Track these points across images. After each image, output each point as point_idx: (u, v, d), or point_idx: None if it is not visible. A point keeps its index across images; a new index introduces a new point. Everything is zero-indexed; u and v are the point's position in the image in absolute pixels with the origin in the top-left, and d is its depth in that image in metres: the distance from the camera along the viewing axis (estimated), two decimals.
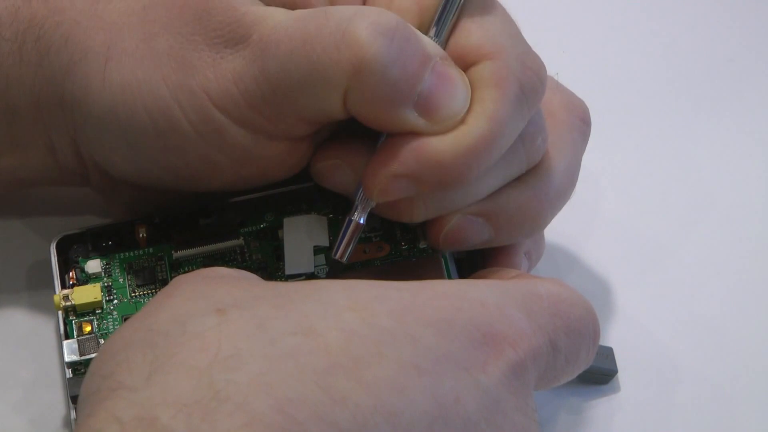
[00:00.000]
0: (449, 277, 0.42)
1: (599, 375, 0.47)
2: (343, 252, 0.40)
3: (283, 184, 0.44)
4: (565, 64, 0.50)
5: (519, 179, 0.41)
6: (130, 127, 0.38)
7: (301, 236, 0.43)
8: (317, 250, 0.43)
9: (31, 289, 0.46)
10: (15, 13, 0.39)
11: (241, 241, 0.43)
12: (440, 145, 0.37)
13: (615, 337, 0.48)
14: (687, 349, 0.51)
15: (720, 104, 0.59)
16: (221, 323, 0.29)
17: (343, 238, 0.40)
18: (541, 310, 0.33)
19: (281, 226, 0.43)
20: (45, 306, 0.45)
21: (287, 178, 0.42)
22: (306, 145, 0.40)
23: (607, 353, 0.48)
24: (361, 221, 0.40)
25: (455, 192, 0.40)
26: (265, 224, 0.44)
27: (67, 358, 0.41)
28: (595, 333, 0.36)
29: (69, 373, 0.41)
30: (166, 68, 0.37)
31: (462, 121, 0.37)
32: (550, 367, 0.33)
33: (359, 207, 0.40)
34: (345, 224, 0.40)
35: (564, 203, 0.43)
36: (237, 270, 0.36)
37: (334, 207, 0.44)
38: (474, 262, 0.44)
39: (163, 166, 0.40)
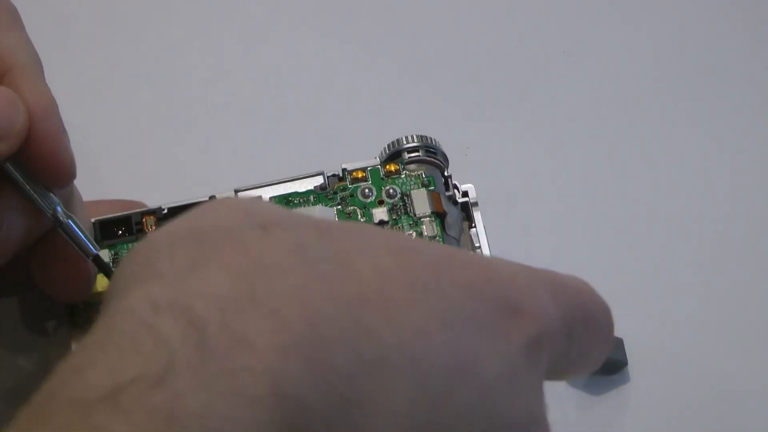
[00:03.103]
0: None
1: (610, 365, 0.47)
2: None
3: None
4: (563, 64, 0.50)
5: None
6: None
7: None
8: None
9: None
10: None
11: None
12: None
13: (626, 327, 0.48)
14: (697, 340, 0.51)
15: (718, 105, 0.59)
16: (264, 236, 0.29)
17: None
18: (565, 298, 0.33)
19: None
20: None
21: None
22: None
23: (618, 344, 0.48)
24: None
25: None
26: None
27: (74, 347, 0.41)
28: (611, 334, 0.36)
29: None
30: None
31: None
32: (564, 355, 0.33)
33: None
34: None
35: None
36: None
37: (342, 199, 0.44)
38: None
39: None
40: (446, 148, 0.48)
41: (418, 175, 0.45)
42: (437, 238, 0.43)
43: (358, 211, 0.44)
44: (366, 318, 0.28)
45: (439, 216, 0.44)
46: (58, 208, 0.38)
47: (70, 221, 0.39)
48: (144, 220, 0.44)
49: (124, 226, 0.44)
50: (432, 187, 0.45)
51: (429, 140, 0.46)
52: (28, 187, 0.38)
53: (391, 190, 0.45)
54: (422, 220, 0.44)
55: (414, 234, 0.43)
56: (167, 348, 0.26)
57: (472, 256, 0.32)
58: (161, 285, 0.28)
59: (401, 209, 0.44)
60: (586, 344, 0.34)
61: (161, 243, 0.30)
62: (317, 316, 0.27)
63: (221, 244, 0.29)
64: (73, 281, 0.41)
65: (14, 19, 0.39)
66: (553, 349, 0.32)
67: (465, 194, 0.47)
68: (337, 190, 0.45)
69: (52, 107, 0.38)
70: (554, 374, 0.34)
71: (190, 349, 0.26)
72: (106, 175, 0.59)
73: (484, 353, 0.29)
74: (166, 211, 0.45)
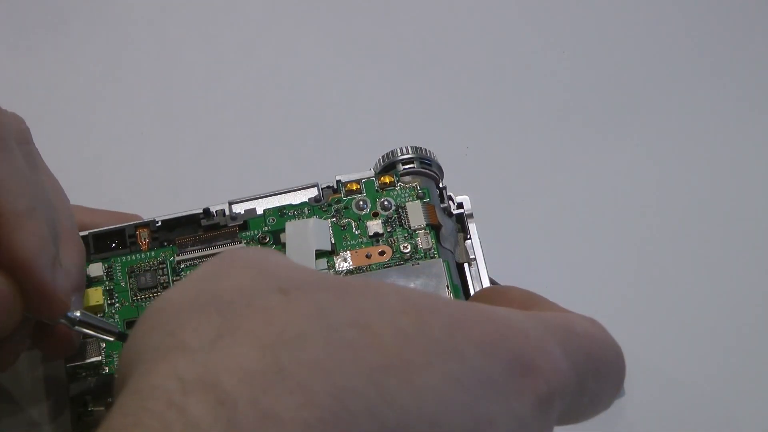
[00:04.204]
0: (450, 282, 0.42)
1: None
2: None
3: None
4: (563, 67, 0.50)
5: None
6: None
7: (303, 240, 0.43)
8: (319, 254, 0.43)
9: None
10: None
11: (242, 244, 0.43)
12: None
13: (619, 339, 0.48)
14: (692, 352, 0.51)
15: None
16: (285, 303, 0.29)
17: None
18: (577, 350, 0.33)
19: (283, 230, 0.43)
20: None
21: None
22: None
23: None
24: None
25: None
26: (267, 228, 0.44)
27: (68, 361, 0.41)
28: (621, 378, 0.36)
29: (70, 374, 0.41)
30: None
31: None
32: (574, 406, 0.34)
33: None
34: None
35: None
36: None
37: (337, 211, 0.44)
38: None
39: None
40: (446, 148, 0.47)
41: (413, 186, 0.45)
42: (432, 250, 0.43)
43: (353, 223, 0.44)
44: (389, 384, 0.28)
45: (434, 228, 0.44)
46: (68, 313, 0.39)
47: (80, 317, 0.39)
48: (138, 233, 0.44)
49: (117, 239, 0.44)
50: (427, 199, 0.45)
51: (424, 152, 0.46)
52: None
53: (385, 202, 0.44)
54: (417, 232, 0.44)
55: (409, 246, 0.43)
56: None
57: (486, 311, 0.32)
58: (188, 359, 0.28)
59: (396, 221, 0.44)
60: (597, 393, 0.34)
61: (182, 310, 0.30)
62: (342, 388, 0.27)
63: (243, 312, 0.29)
64: (62, 347, 0.41)
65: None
66: (564, 402, 0.32)
67: (460, 206, 0.47)
68: (331, 202, 0.45)
69: (38, 258, 0.37)
70: (565, 421, 0.34)
71: (220, 430, 0.26)
72: (105, 176, 0.60)
73: (499, 415, 0.30)
74: (159, 223, 0.44)
